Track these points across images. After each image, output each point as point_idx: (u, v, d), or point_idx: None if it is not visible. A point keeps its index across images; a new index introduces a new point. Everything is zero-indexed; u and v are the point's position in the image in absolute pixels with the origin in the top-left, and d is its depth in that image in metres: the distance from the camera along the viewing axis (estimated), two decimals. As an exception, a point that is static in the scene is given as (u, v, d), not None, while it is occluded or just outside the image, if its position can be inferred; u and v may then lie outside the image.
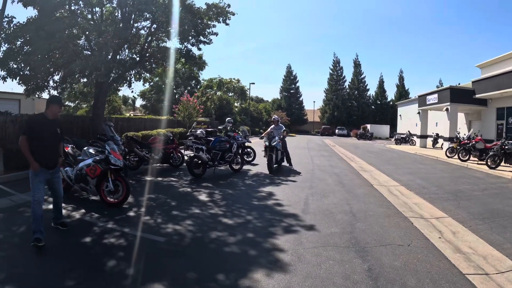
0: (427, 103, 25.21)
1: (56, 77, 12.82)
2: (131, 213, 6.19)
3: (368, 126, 49.04)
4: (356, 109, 61.43)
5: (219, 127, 31.58)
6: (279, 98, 66.41)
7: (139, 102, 48.99)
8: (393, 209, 6.67)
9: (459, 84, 30.24)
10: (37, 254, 4.29)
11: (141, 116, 25.68)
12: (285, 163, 12.96)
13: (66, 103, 22.56)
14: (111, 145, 6.56)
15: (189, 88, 41.73)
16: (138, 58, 13.49)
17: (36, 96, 13.12)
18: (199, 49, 14.47)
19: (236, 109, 44.58)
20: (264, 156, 12.20)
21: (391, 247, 4.53)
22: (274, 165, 11.55)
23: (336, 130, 54.74)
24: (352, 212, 6.45)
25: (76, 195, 7.28)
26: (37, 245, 4.36)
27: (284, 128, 13.10)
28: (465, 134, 17.21)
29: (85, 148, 6.98)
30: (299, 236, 5.05)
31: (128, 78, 14.18)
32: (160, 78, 17.90)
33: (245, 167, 12.30)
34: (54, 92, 13.97)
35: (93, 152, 6.71)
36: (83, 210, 6.17)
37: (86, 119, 14.66)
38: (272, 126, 12.92)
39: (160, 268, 4.02)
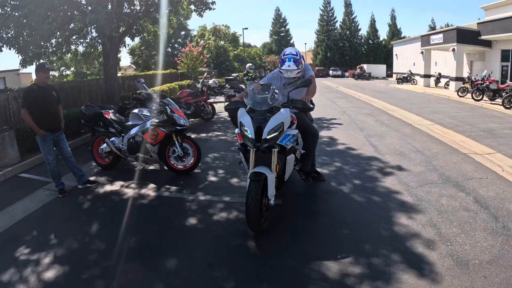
0: (431, 42, 25.05)
1: (53, 40, 11.33)
2: (213, 178, 5.39)
3: (365, 66, 47.00)
4: (349, 50, 60.08)
5: (233, 75, 30.15)
6: (270, 42, 64.13)
7: (125, 61, 45.78)
8: (449, 147, 6.74)
9: (450, 24, 28.88)
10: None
11: (144, 72, 24.34)
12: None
13: (51, 72, 20.75)
14: (171, 103, 5.58)
15: (179, 40, 39.12)
16: (142, 8, 11.96)
17: (25, 67, 11.43)
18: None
19: (231, 56, 42.35)
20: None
21: (476, 180, 4.77)
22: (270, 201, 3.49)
23: (330, 71, 53.02)
24: (418, 150, 6.53)
25: (127, 168, 6.21)
26: (63, 195, 4.93)
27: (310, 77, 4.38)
28: (477, 75, 17.59)
29: (135, 111, 5.96)
30: (398, 177, 5.04)
31: (133, 31, 12.76)
32: (151, 32, 15.71)
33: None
34: (54, 58, 12.52)
35: (148, 114, 5.74)
36: (152, 185, 5.16)
37: (93, 83, 13.20)
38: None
39: (295, 226, 3.73)
